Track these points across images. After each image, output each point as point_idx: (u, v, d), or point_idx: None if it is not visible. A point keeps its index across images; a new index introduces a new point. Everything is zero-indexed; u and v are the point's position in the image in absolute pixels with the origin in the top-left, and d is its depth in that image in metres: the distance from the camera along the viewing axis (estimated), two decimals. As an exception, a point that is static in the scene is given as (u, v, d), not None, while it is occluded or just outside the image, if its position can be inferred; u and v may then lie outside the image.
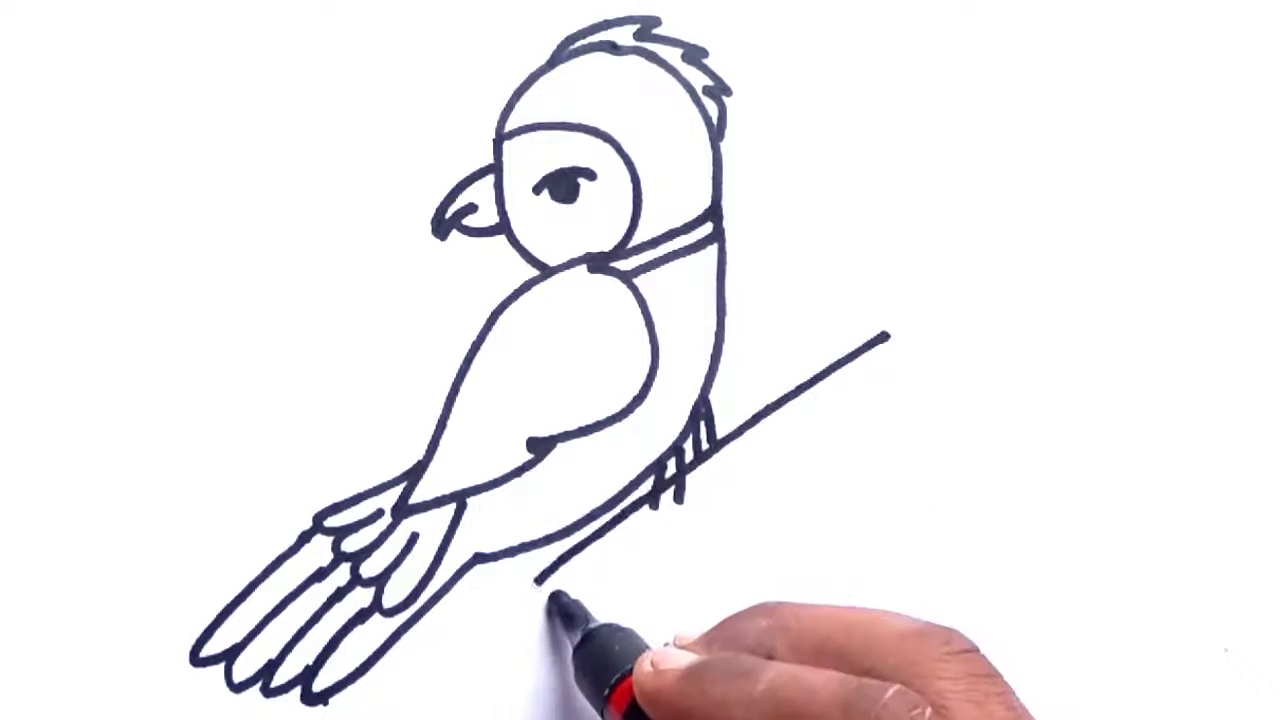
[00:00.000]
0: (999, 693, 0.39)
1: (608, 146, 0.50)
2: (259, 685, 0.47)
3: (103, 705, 0.46)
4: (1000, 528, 0.50)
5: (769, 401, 0.50)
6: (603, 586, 0.49)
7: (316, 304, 0.48)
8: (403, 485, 0.48)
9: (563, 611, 0.48)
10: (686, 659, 0.43)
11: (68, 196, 0.48)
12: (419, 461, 0.49)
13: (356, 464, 0.48)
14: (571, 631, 0.47)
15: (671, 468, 0.49)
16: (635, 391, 0.49)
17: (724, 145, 0.51)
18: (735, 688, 0.40)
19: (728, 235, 0.50)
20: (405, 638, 0.48)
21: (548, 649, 0.49)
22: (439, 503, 0.49)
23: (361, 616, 0.48)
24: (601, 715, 0.45)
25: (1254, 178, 0.53)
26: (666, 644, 0.44)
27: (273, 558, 0.48)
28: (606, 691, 0.44)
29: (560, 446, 0.49)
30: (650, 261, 0.50)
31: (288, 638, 0.47)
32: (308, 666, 0.47)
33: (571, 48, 0.50)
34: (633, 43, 0.51)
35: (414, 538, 0.48)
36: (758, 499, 0.49)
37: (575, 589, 0.49)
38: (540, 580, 0.49)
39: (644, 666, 0.43)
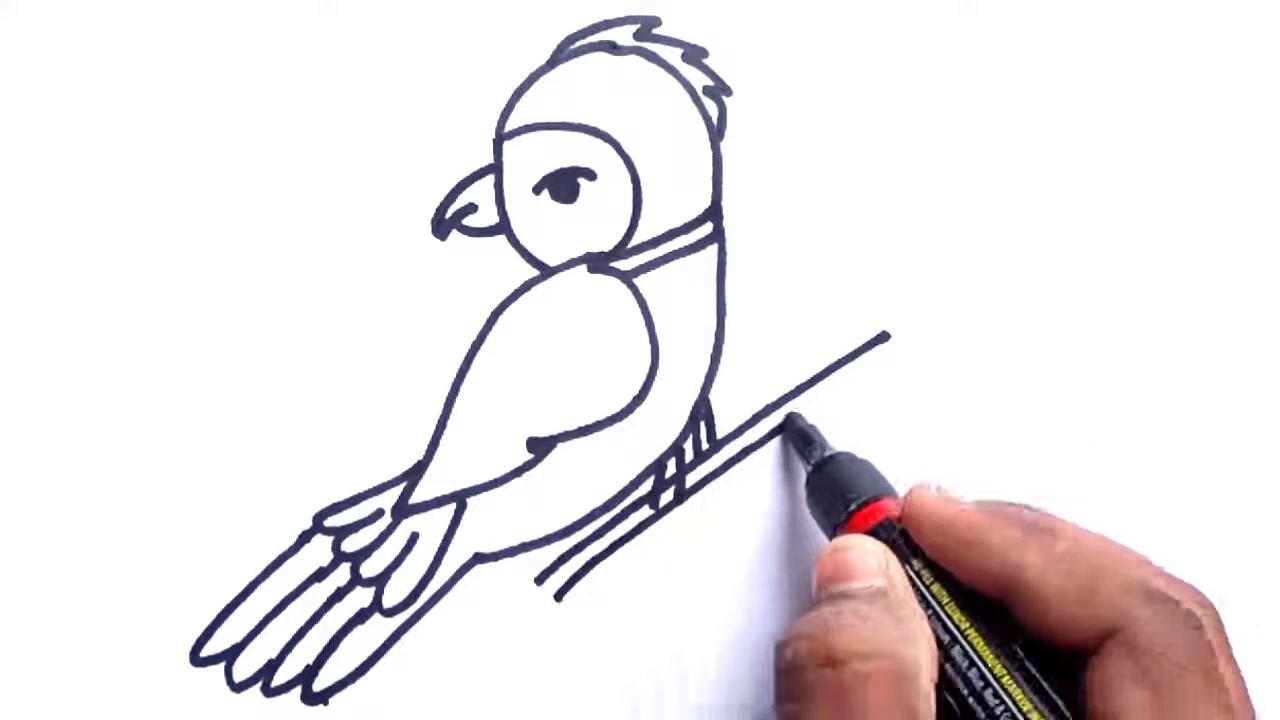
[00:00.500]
0: (1235, 663, 0.40)
1: (608, 146, 0.50)
2: (259, 685, 0.47)
3: (103, 705, 0.47)
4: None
5: (769, 401, 0.50)
6: (602, 585, 0.49)
7: (317, 304, 0.49)
8: (403, 485, 0.48)
9: (800, 435, 0.48)
10: (971, 502, 0.43)
11: (68, 196, 0.48)
12: (419, 461, 0.49)
13: (356, 464, 0.48)
14: (807, 456, 0.48)
15: (671, 467, 0.49)
16: (635, 391, 0.49)
17: (724, 145, 0.51)
18: (1035, 537, 0.41)
19: (728, 235, 0.50)
20: (405, 638, 0.48)
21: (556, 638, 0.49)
22: (439, 502, 0.49)
23: (361, 616, 0.48)
24: (830, 536, 0.45)
25: (1255, 176, 0.53)
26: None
27: (273, 557, 0.48)
28: (853, 507, 0.45)
29: (560, 446, 0.49)
30: (650, 261, 0.50)
31: (288, 637, 0.47)
32: (308, 666, 0.48)
33: (571, 48, 0.50)
34: (633, 42, 0.51)
35: (414, 538, 0.48)
36: (758, 498, 0.49)
37: (574, 588, 0.49)
38: (540, 580, 0.49)
39: (926, 490, 0.43)
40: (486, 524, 0.49)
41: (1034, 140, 0.52)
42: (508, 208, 0.50)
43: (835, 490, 0.46)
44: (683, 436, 0.50)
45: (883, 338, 0.50)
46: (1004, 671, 0.40)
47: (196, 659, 0.47)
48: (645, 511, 0.49)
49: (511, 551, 0.49)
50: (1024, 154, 0.52)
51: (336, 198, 0.49)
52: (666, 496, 0.49)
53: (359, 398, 0.48)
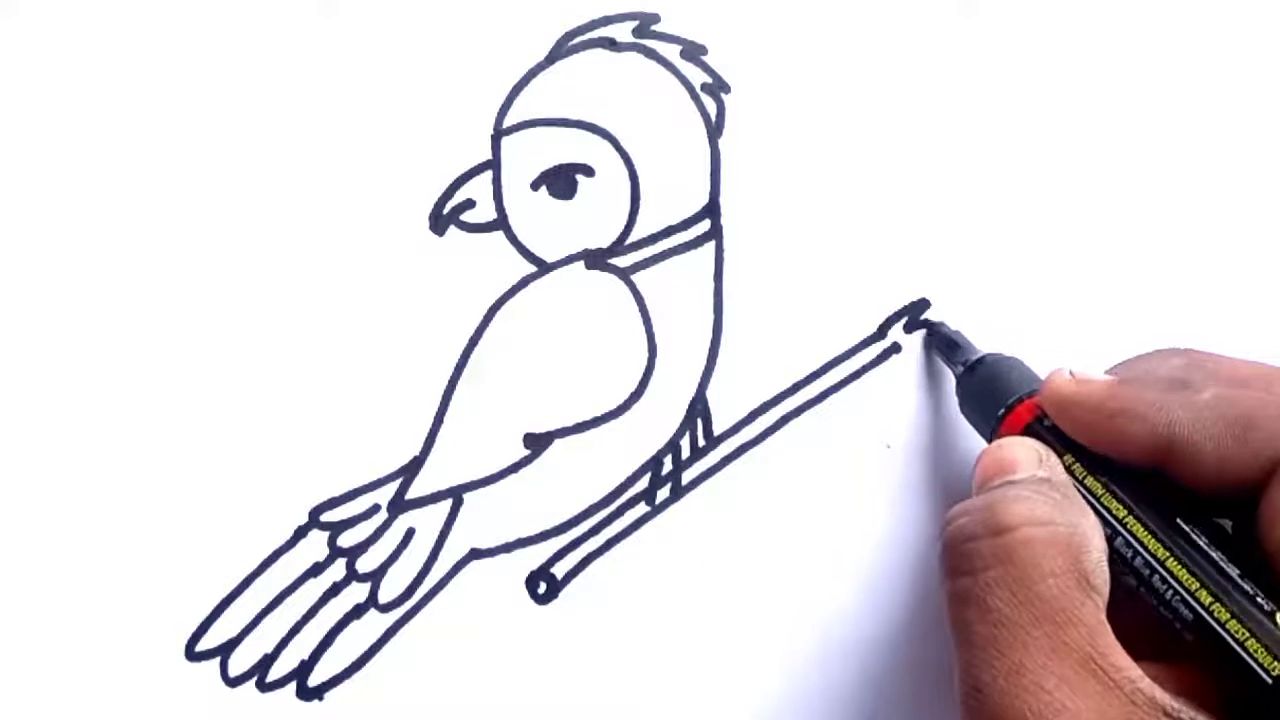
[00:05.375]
0: None
1: (606, 143, 0.50)
2: (254, 680, 0.47)
3: (98, 699, 0.47)
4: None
5: (766, 399, 0.50)
6: (598, 582, 0.49)
7: (314, 299, 0.49)
8: (399, 480, 0.48)
9: (945, 341, 0.49)
10: (1109, 377, 0.43)
11: (67, 196, 0.48)
12: (415, 457, 0.49)
13: (353, 459, 0.48)
14: (954, 362, 0.48)
15: (668, 464, 0.49)
16: (632, 388, 0.49)
17: (722, 142, 0.51)
18: (1175, 394, 0.41)
19: (725, 232, 0.50)
20: (401, 633, 0.48)
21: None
22: (435, 498, 0.49)
23: (357, 612, 0.48)
24: (989, 439, 0.46)
25: (1255, 176, 0.52)
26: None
27: (269, 553, 0.48)
28: (1003, 410, 0.45)
29: (557, 443, 0.49)
30: (648, 258, 0.50)
31: (283, 633, 0.48)
32: (303, 661, 0.48)
33: (570, 44, 0.50)
34: (631, 39, 0.51)
35: (410, 533, 0.48)
36: (754, 495, 0.49)
37: (571, 583, 0.49)
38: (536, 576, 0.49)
39: (1061, 375, 0.44)
40: (483, 520, 0.49)
41: (1033, 141, 0.52)
42: (505, 204, 0.50)
43: (985, 394, 0.47)
44: (679, 433, 0.50)
45: (880, 335, 0.50)
46: (1167, 554, 0.40)
47: (191, 654, 0.47)
48: (642, 508, 0.49)
49: (508, 547, 0.49)
50: (1022, 155, 0.52)
51: (335, 193, 0.49)
52: (663, 493, 0.49)
53: (356, 393, 0.48)
